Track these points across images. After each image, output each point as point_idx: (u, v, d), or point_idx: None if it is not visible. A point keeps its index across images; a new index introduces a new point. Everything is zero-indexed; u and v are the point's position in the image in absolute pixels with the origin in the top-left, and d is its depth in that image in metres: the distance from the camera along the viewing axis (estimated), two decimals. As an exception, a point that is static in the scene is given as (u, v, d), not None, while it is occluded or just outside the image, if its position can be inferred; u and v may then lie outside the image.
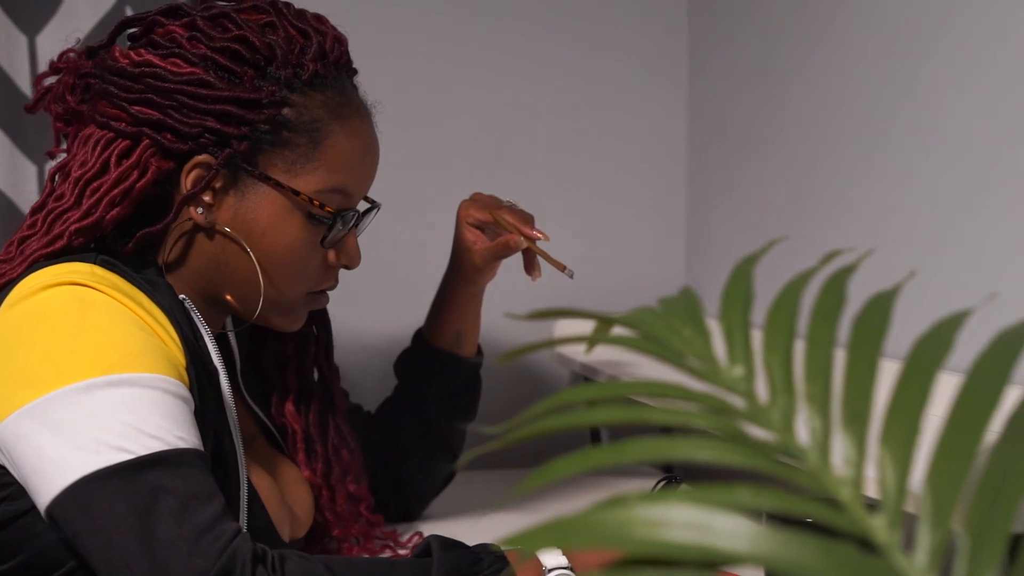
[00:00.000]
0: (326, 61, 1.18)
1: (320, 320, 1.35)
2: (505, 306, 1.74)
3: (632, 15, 2.35)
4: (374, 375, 1.89)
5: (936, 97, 1.57)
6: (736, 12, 2.18)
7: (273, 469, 1.26)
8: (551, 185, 2.34)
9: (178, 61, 1.13)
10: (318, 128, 1.16)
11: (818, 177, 1.89)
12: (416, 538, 1.37)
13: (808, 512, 0.47)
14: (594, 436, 2.28)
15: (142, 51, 1.14)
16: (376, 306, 2.11)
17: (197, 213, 1.15)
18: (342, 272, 1.25)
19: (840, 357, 0.53)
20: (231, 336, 1.29)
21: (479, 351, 1.51)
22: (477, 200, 1.44)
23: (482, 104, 2.29)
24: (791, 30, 1.97)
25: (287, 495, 1.25)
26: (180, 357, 1.07)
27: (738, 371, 0.54)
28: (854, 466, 0.49)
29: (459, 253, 1.43)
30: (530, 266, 1.43)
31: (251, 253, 1.15)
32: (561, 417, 0.54)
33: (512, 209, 1.41)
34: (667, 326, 0.58)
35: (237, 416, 1.19)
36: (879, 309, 0.54)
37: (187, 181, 1.14)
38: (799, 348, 0.54)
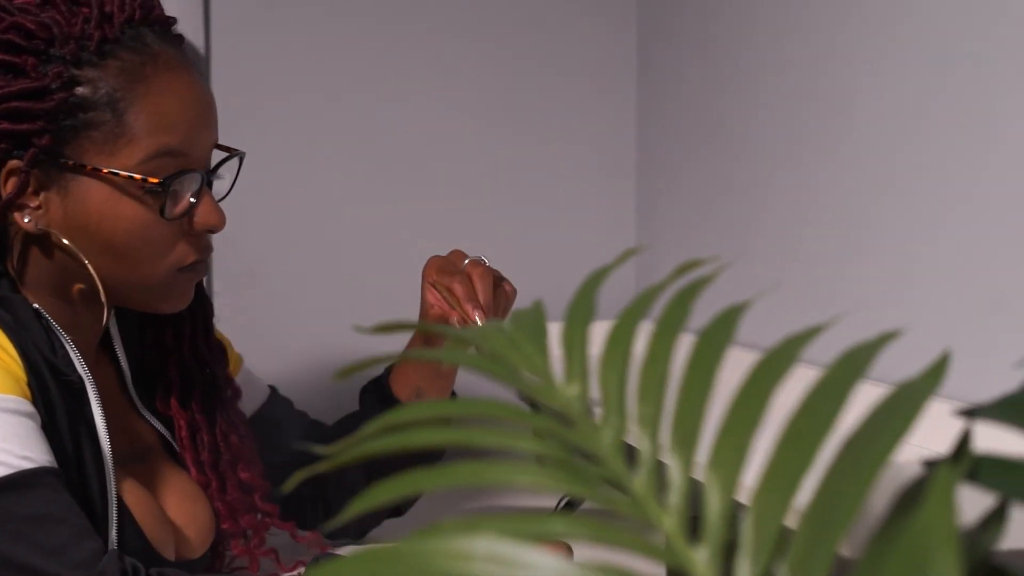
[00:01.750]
0: (112, 24, 1.08)
1: (195, 299, 1.22)
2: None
3: (581, 15, 2.33)
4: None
5: (883, 96, 1.56)
6: (684, 11, 2.17)
7: (167, 484, 1.20)
8: (499, 187, 2.32)
9: None
10: (120, 98, 1.07)
11: (766, 177, 1.88)
12: (311, 536, 1.30)
13: (625, 543, 0.44)
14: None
15: None
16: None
17: (24, 221, 1.08)
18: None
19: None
20: (117, 344, 1.23)
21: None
22: (444, 259, 1.33)
23: (431, 105, 2.27)
24: (738, 29, 1.96)
25: (180, 512, 1.19)
26: (19, 371, 1.02)
27: (573, 390, 0.52)
28: (679, 494, 0.46)
29: (421, 312, 1.33)
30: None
31: (94, 247, 1.08)
32: (384, 440, 0.51)
33: (473, 271, 1.29)
34: (510, 343, 0.55)
35: (131, 427, 1.15)
36: (722, 327, 0.51)
37: (6, 189, 1.08)
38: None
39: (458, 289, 1.26)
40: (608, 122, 2.35)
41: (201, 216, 1.13)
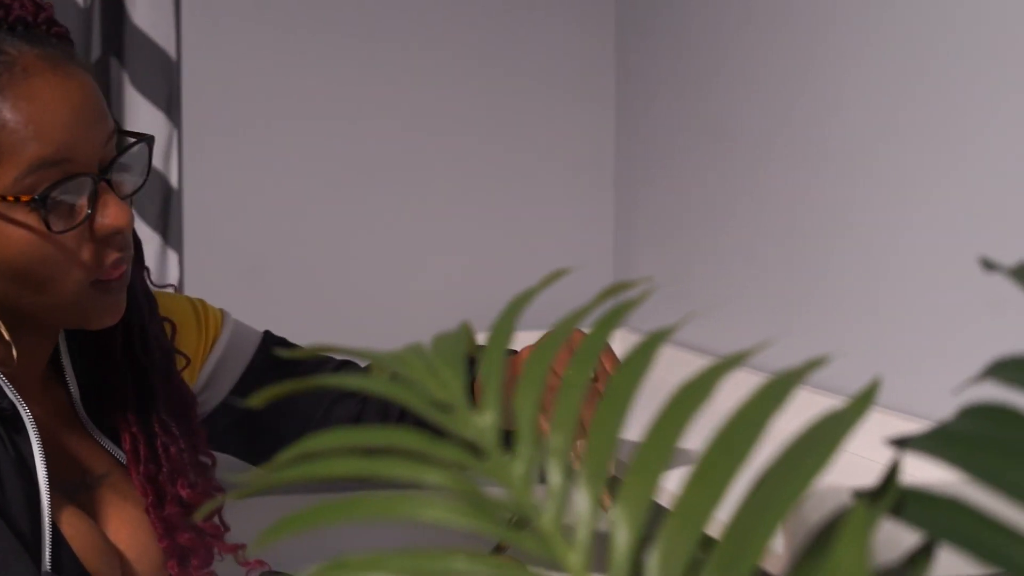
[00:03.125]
0: None
1: (129, 305, 1.14)
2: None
3: (559, 19, 2.32)
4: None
5: (862, 101, 1.55)
6: (662, 15, 2.16)
7: (118, 513, 1.14)
8: (478, 189, 2.30)
9: None
10: None
11: (744, 180, 1.87)
12: (257, 566, 1.24)
13: (527, 582, 0.42)
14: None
15: None
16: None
17: None
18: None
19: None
20: (67, 367, 1.18)
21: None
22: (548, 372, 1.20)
23: (411, 109, 2.25)
24: (716, 34, 1.96)
25: (132, 543, 1.14)
26: None
27: (487, 419, 0.50)
28: (586, 529, 0.44)
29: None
30: None
31: None
32: (294, 470, 0.49)
33: (569, 395, 1.14)
34: (427, 367, 0.53)
35: (81, 454, 1.11)
36: (640, 357, 0.49)
37: None
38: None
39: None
40: (587, 125, 2.34)
41: (101, 219, 1.05)
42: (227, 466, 1.35)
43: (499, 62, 2.29)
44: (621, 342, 2.25)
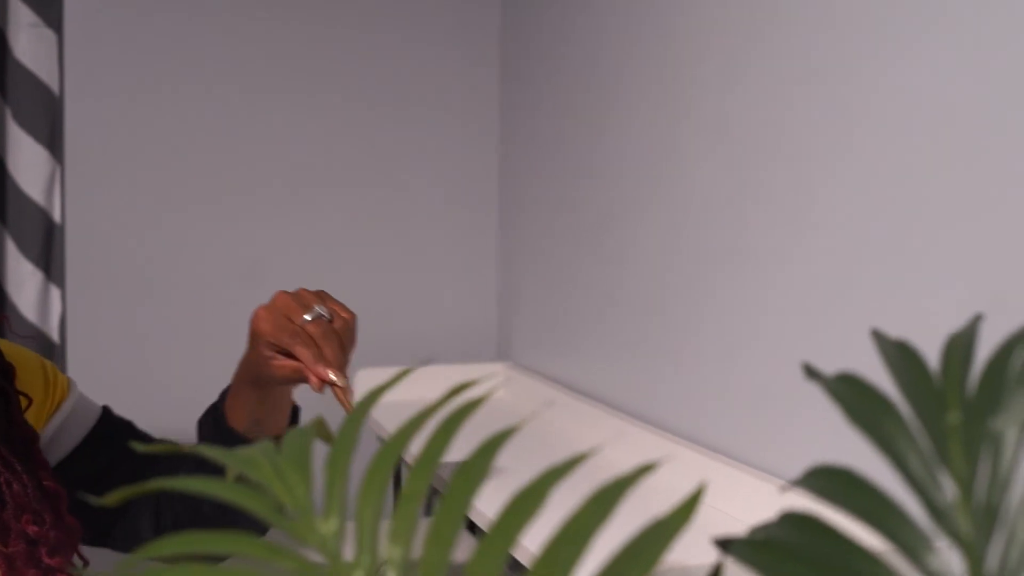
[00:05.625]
0: None
1: None
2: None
3: (445, 60, 2.34)
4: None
5: (714, 172, 1.58)
6: (544, 57, 2.19)
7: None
8: (362, 235, 2.31)
9: None
10: None
11: (621, 225, 1.90)
12: None
13: None
14: (397, 496, 2.23)
15: None
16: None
17: None
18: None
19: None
20: None
21: (294, 414, 1.36)
22: (276, 312, 1.22)
23: (297, 146, 2.25)
24: (592, 75, 1.98)
25: None
26: None
27: (331, 526, 0.51)
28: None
29: (253, 361, 1.25)
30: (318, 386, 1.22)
31: None
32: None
33: (315, 330, 1.19)
34: (275, 469, 0.54)
35: None
36: (478, 462, 0.51)
37: None
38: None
39: (302, 353, 1.18)
40: (471, 167, 2.37)
41: None
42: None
43: (385, 114, 2.31)
44: (505, 376, 2.27)
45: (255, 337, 1.24)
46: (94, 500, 0.56)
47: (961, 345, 0.51)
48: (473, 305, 2.40)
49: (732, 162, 1.52)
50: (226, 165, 2.22)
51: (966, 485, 0.44)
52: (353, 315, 1.26)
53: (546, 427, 2.01)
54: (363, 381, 2.22)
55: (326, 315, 1.22)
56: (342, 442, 0.55)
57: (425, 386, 2.25)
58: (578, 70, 2.01)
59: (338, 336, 1.22)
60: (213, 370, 2.16)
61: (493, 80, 2.35)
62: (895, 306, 1.23)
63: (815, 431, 1.34)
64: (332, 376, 1.18)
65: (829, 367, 1.30)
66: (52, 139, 2.09)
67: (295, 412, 1.37)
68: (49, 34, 2.08)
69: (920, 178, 1.18)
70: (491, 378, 2.17)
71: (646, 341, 1.80)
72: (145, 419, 1.41)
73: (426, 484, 0.51)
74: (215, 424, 1.33)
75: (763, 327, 1.46)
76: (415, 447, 0.54)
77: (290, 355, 1.21)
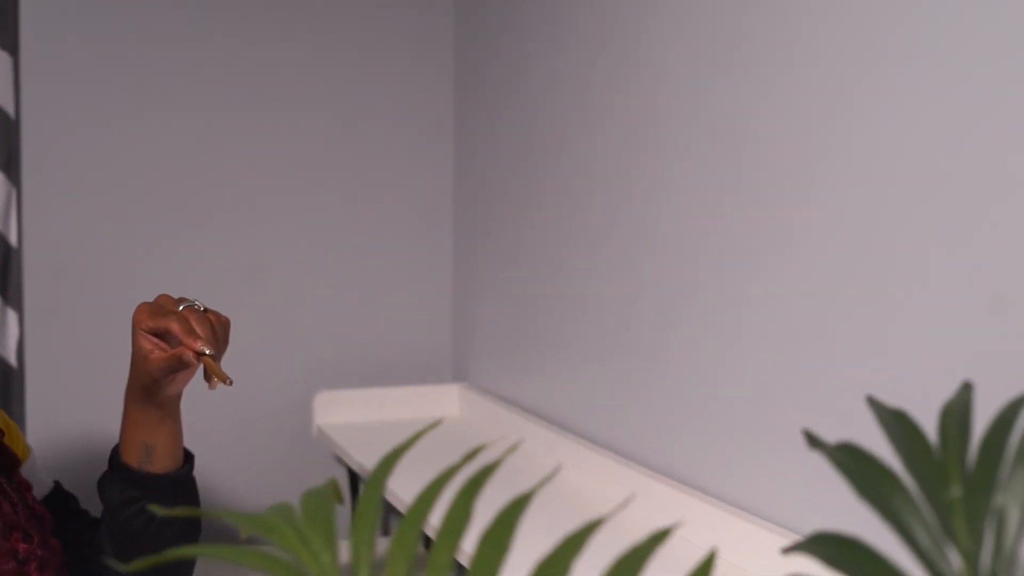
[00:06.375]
0: None
1: None
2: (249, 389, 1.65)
3: (399, 76, 2.36)
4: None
5: (681, 201, 1.60)
6: (500, 74, 2.20)
7: None
8: (316, 257, 2.32)
9: None
10: None
11: (576, 259, 1.91)
12: None
13: None
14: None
15: None
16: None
17: None
18: None
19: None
20: None
21: (187, 459, 1.38)
22: (154, 304, 1.30)
23: (252, 170, 2.26)
24: (551, 91, 2.00)
25: None
26: None
27: (358, 593, 0.53)
28: None
29: (136, 362, 1.30)
30: (207, 375, 1.27)
31: None
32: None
33: (188, 314, 1.28)
34: (298, 536, 0.56)
35: None
36: (501, 529, 0.53)
37: None
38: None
39: (175, 327, 1.25)
40: (425, 186, 2.39)
41: None
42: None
43: (337, 137, 2.33)
44: (460, 398, 2.29)
45: (135, 328, 1.30)
46: (119, 565, 0.57)
47: (957, 416, 0.54)
48: (428, 326, 2.42)
49: (701, 180, 1.55)
50: (183, 188, 2.23)
51: (971, 559, 0.47)
52: (227, 318, 1.33)
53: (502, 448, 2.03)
54: (321, 404, 2.23)
55: (199, 306, 1.31)
56: (365, 505, 0.57)
57: (382, 408, 2.27)
58: (537, 85, 2.03)
59: (209, 320, 1.29)
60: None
61: (448, 99, 2.37)
62: (865, 317, 1.26)
63: (780, 461, 1.37)
64: (201, 346, 1.24)
65: (802, 395, 1.31)
66: (8, 162, 2.08)
67: (189, 457, 1.39)
68: (4, 56, 2.08)
69: (903, 202, 1.21)
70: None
71: (603, 362, 1.83)
72: (104, 443, 1.41)
73: (451, 554, 0.53)
74: (108, 463, 1.36)
75: (727, 352, 1.49)
76: (406, 490, 0.56)
77: (168, 344, 1.28)
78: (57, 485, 1.43)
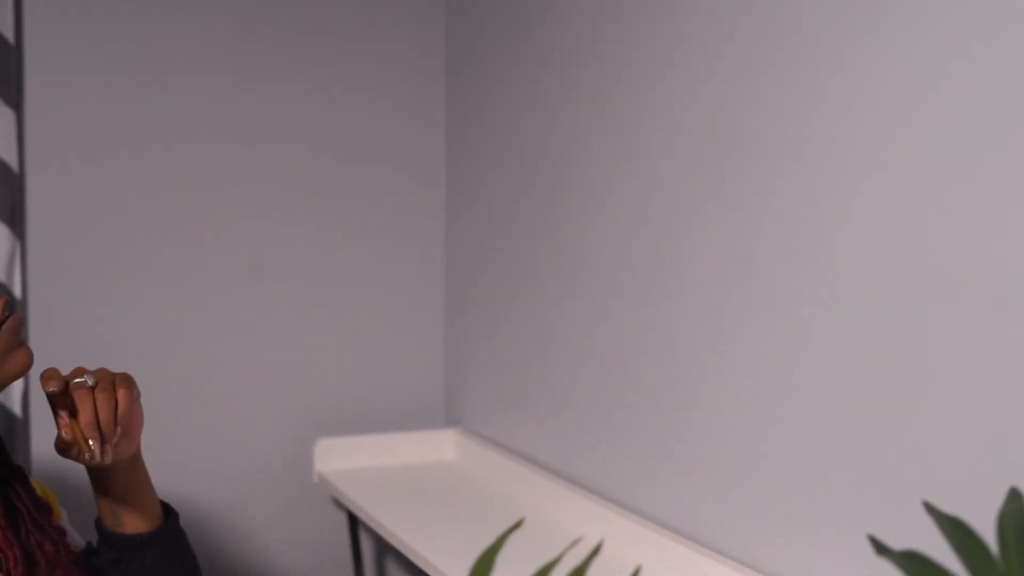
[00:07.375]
0: None
1: None
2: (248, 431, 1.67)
3: (390, 99, 2.40)
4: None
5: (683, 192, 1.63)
6: (491, 120, 2.22)
7: None
8: (309, 303, 2.35)
9: None
10: None
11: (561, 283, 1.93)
12: None
13: None
14: (356, 559, 2.28)
15: None
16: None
17: None
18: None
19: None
20: None
21: (167, 513, 1.38)
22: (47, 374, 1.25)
23: (256, 221, 2.30)
24: (544, 137, 2.02)
25: None
26: None
27: None
28: None
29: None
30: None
31: None
32: None
33: (73, 394, 1.23)
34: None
35: None
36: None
37: None
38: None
39: (63, 418, 1.22)
40: (417, 226, 2.44)
41: None
42: None
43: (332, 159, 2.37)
44: (455, 443, 2.32)
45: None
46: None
47: (1013, 526, 0.59)
48: (421, 371, 2.45)
49: (703, 216, 1.56)
50: (186, 239, 2.26)
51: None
52: (130, 393, 1.29)
53: (496, 493, 2.06)
54: (321, 451, 2.26)
55: (90, 382, 1.25)
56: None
57: (379, 453, 2.31)
58: (532, 120, 2.04)
59: (91, 395, 1.24)
60: (177, 442, 2.20)
61: (439, 137, 2.41)
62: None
63: (777, 511, 1.39)
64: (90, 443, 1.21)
65: (805, 426, 1.32)
66: (12, 216, 2.11)
67: (168, 511, 1.39)
68: (8, 112, 2.10)
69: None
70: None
71: (597, 409, 1.84)
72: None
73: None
74: (98, 532, 1.36)
75: (723, 402, 1.51)
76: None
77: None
78: (89, 545, 1.45)
